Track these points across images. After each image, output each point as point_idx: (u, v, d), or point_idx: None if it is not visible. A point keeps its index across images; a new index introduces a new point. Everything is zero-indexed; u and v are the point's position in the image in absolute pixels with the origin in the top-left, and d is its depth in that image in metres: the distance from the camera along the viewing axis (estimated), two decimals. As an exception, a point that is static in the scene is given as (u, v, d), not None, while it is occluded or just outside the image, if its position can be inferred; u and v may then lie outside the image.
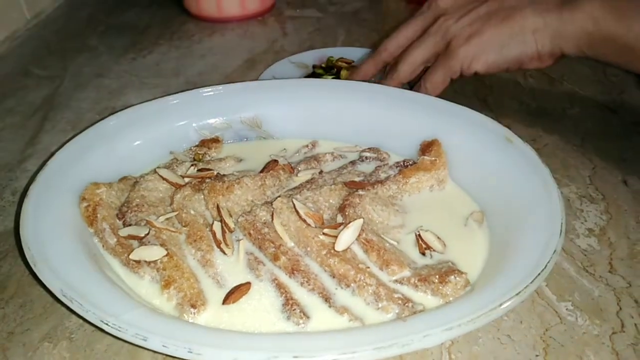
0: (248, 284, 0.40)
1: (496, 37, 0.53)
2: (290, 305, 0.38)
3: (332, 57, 0.71)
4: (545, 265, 0.35)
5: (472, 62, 0.54)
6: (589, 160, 0.55)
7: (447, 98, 0.53)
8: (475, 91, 0.68)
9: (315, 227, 0.43)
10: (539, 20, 0.52)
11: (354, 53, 0.72)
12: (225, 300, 0.39)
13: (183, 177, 0.49)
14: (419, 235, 0.43)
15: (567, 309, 0.40)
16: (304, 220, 0.43)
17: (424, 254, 0.43)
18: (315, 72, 0.69)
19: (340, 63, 0.70)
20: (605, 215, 0.49)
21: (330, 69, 0.69)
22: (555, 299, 0.41)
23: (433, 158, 0.49)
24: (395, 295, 0.38)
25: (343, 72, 0.67)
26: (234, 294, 0.39)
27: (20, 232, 0.39)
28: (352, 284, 0.39)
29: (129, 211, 0.45)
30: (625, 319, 0.40)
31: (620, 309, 0.40)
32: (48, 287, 0.35)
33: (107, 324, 0.33)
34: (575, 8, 0.50)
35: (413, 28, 0.59)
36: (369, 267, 0.41)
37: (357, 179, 0.49)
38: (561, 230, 0.38)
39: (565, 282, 0.43)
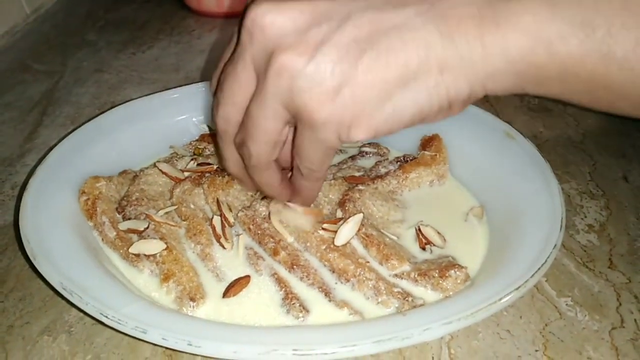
0: (247, 277, 0.40)
1: (377, 87, 0.31)
2: (290, 299, 0.38)
3: None
4: (545, 260, 0.35)
5: (350, 131, 0.32)
6: (590, 156, 0.55)
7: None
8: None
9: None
10: (448, 48, 0.30)
11: None
12: (225, 294, 0.39)
13: (183, 171, 0.49)
14: (419, 230, 0.43)
15: (566, 305, 0.40)
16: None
17: (424, 248, 0.43)
18: None
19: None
20: (605, 211, 0.49)
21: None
22: (555, 295, 0.41)
23: (433, 153, 0.49)
24: (395, 290, 0.38)
25: None
26: (234, 287, 0.39)
27: (20, 226, 0.39)
28: (351, 279, 0.39)
29: (129, 205, 0.45)
30: (624, 314, 0.40)
31: (620, 304, 0.40)
32: (48, 281, 0.35)
33: (106, 317, 0.33)
34: (508, 20, 0.29)
35: (237, 86, 0.34)
36: (368, 262, 0.41)
37: (357, 174, 0.49)
38: (561, 225, 0.38)
39: (565, 277, 0.43)
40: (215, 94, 0.36)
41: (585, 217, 0.48)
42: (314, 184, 0.39)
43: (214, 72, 0.38)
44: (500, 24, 0.29)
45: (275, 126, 0.33)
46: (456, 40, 0.30)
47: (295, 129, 0.34)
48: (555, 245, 0.36)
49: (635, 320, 0.39)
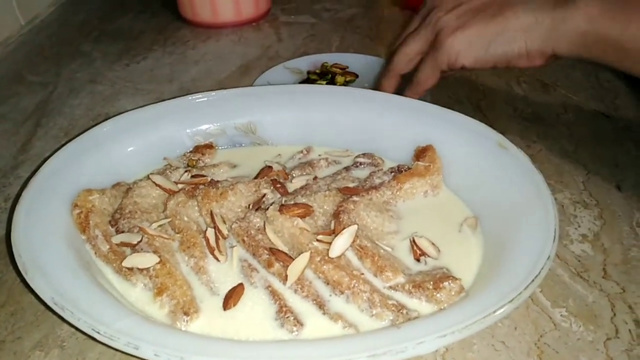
0: (241, 285, 0.40)
1: (483, 32, 0.52)
2: (284, 313, 0.38)
3: (326, 62, 0.71)
4: (540, 272, 0.35)
5: (458, 56, 0.53)
6: (583, 166, 0.55)
7: (440, 104, 0.53)
8: (469, 97, 0.68)
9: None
10: (531, 18, 0.50)
11: (348, 59, 0.72)
12: (225, 306, 0.39)
13: (176, 183, 0.49)
14: (414, 241, 0.43)
15: (561, 315, 0.40)
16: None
17: (418, 260, 0.42)
18: (309, 78, 0.69)
19: (334, 69, 0.70)
20: (599, 220, 0.49)
21: (324, 75, 0.69)
22: (550, 305, 0.41)
23: (427, 164, 0.49)
24: (390, 302, 0.38)
25: (338, 78, 0.67)
26: (232, 298, 0.39)
27: (12, 239, 0.39)
28: (346, 291, 0.39)
29: (122, 218, 0.44)
30: (619, 324, 0.40)
31: (615, 314, 0.40)
32: (39, 295, 0.35)
33: (98, 333, 0.32)
34: (569, 6, 0.48)
35: (413, 25, 0.59)
36: (363, 274, 0.40)
37: (351, 185, 0.49)
38: (555, 237, 0.38)
39: (560, 288, 0.43)
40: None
41: (579, 226, 0.48)
42: (415, 94, 0.58)
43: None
44: (566, 7, 0.48)
45: (416, 47, 0.57)
46: (537, 14, 0.49)
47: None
48: (549, 256, 0.36)
49: (629, 330, 0.39)
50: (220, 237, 0.43)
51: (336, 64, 0.71)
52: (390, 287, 0.40)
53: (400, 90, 0.59)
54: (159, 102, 0.56)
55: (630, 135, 0.60)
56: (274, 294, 0.39)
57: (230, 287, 0.40)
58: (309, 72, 0.70)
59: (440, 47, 0.54)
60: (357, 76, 0.69)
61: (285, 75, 0.69)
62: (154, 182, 0.48)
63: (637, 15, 0.45)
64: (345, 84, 0.67)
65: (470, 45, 0.52)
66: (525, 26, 0.50)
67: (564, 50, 0.49)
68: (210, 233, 0.43)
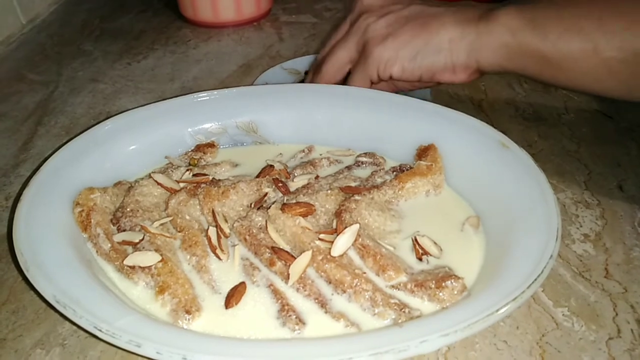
0: (243, 283, 0.40)
1: (412, 41, 0.52)
2: (286, 312, 0.38)
3: None
4: (542, 271, 0.35)
5: (386, 66, 0.53)
6: (585, 165, 0.55)
7: (442, 103, 0.53)
8: (471, 96, 0.68)
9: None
10: (457, 30, 0.50)
11: None
12: (227, 305, 0.39)
13: (178, 182, 0.49)
14: (416, 240, 0.43)
15: (563, 315, 0.40)
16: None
17: (420, 259, 0.42)
18: None
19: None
20: (600, 220, 0.49)
21: None
22: (552, 305, 0.41)
23: (429, 163, 0.49)
24: (392, 301, 0.38)
25: None
26: (234, 296, 0.39)
27: (13, 238, 0.39)
28: (348, 290, 0.39)
29: (124, 216, 0.44)
30: (621, 324, 0.39)
31: (617, 314, 0.40)
32: (41, 293, 0.35)
33: (100, 330, 0.32)
34: (492, 20, 0.49)
35: (342, 30, 0.59)
36: (365, 273, 0.40)
37: (353, 184, 0.49)
38: (557, 236, 0.38)
39: (562, 287, 0.42)
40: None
41: (581, 226, 0.48)
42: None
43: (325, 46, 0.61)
44: (489, 20, 0.49)
45: (345, 55, 0.57)
46: (464, 27, 0.50)
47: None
48: (552, 256, 0.36)
49: (632, 330, 0.39)
50: (222, 235, 0.43)
51: None
52: (393, 286, 0.40)
53: None
54: (161, 100, 0.56)
55: (632, 135, 0.60)
56: (275, 293, 0.39)
57: (232, 286, 0.40)
58: (306, 73, 0.70)
59: (369, 56, 0.53)
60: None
61: (283, 76, 0.69)
62: (155, 181, 0.48)
63: (554, 25, 0.46)
64: None
65: (398, 55, 0.52)
66: (452, 38, 0.51)
67: (487, 62, 0.50)
68: (212, 232, 0.43)
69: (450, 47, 0.51)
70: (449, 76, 0.52)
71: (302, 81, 0.68)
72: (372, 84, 0.56)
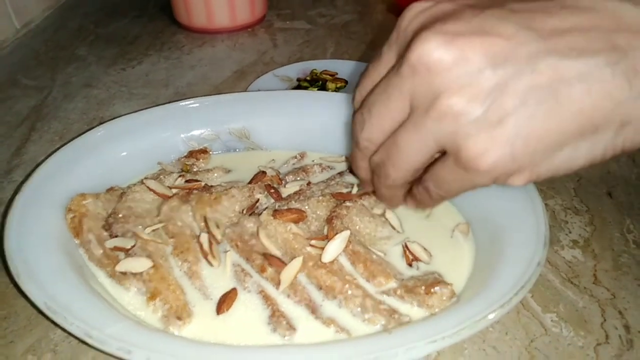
0: (234, 289, 0.40)
1: (552, 138, 0.29)
2: (276, 317, 0.38)
3: (315, 69, 0.72)
4: (530, 278, 0.35)
5: (509, 178, 0.32)
6: (574, 172, 0.56)
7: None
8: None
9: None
10: (637, 102, 0.28)
11: (337, 65, 0.73)
12: (218, 311, 0.39)
13: (170, 188, 0.49)
14: (406, 246, 0.43)
15: (552, 320, 0.41)
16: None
17: (410, 265, 0.43)
18: (300, 85, 0.69)
19: (324, 75, 0.70)
20: (589, 227, 0.49)
21: (315, 82, 0.69)
22: (540, 310, 0.41)
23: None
24: (382, 307, 0.38)
25: (329, 85, 0.68)
26: (225, 302, 0.39)
27: (5, 243, 0.39)
28: (338, 296, 0.39)
29: (116, 222, 0.44)
30: (609, 330, 0.40)
31: (605, 320, 0.41)
32: (32, 300, 0.35)
33: (91, 337, 0.32)
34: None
35: (388, 113, 0.34)
36: (355, 279, 0.41)
37: (344, 191, 0.49)
38: (545, 243, 0.38)
39: (550, 293, 0.43)
40: (361, 112, 0.36)
41: (570, 232, 0.49)
42: (436, 203, 0.38)
43: (357, 87, 0.38)
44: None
45: (422, 159, 0.33)
46: (630, 77, 0.28)
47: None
48: (539, 262, 0.37)
49: (619, 336, 0.39)
50: (213, 241, 0.43)
51: (325, 70, 0.71)
52: (383, 292, 0.40)
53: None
54: (154, 106, 0.56)
55: (622, 142, 0.60)
56: (266, 299, 0.40)
57: (223, 292, 0.40)
58: (299, 80, 0.70)
59: (473, 169, 0.31)
60: (346, 82, 0.69)
61: (275, 83, 0.70)
62: (147, 187, 0.48)
63: None
64: (337, 90, 0.67)
65: (532, 160, 0.31)
66: (626, 116, 0.29)
67: None
68: (204, 238, 0.43)
69: (623, 131, 0.29)
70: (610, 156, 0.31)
71: (295, 88, 0.69)
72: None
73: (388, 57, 0.34)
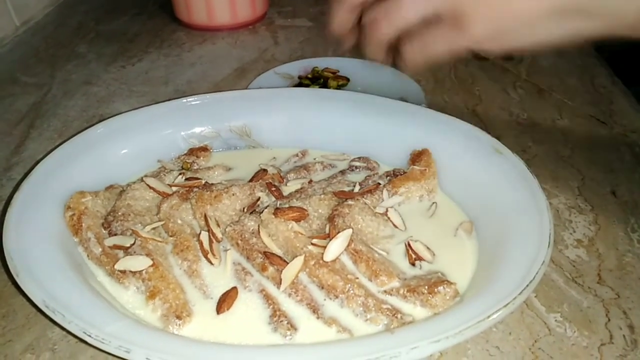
0: (235, 288, 0.40)
1: (527, 14, 0.37)
2: (277, 317, 0.38)
3: (317, 67, 0.71)
4: (534, 277, 0.35)
5: (489, 43, 0.39)
6: (578, 171, 0.55)
7: (436, 108, 0.53)
8: (465, 101, 0.68)
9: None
10: None
11: (338, 63, 0.72)
12: (219, 310, 0.38)
13: (171, 186, 0.48)
14: (409, 245, 0.43)
15: (556, 320, 0.40)
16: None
17: (413, 264, 0.42)
18: (302, 83, 0.69)
19: (326, 73, 0.70)
20: (594, 226, 0.49)
21: (316, 79, 0.69)
22: (544, 310, 0.41)
23: (423, 168, 0.49)
24: (384, 306, 0.38)
25: (331, 82, 0.67)
26: (225, 302, 0.39)
27: (3, 242, 0.38)
28: (340, 295, 0.39)
29: (115, 220, 0.44)
30: (613, 330, 0.39)
31: (609, 320, 0.40)
32: (30, 298, 0.35)
33: (90, 336, 0.32)
34: None
35: None
36: (357, 278, 0.40)
37: (346, 189, 0.49)
38: (549, 242, 0.38)
39: (554, 293, 0.42)
40: None
41: (574, 232, 0.48)
42: (417, 63, 0.42)
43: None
44: None
45: (416, 21, 0.39)
46: None
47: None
48: (544, 261, 0.36)
49: (624, 336, 0.39)
50: (214, 240, 0.43)
51: (327, 68, 0.71)
52: (385, 292, 0.40)
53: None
54: (154, 104, 0.55)
55: (626, 140, 0.60)
56: (267, 298, 0.39)
57: (223, 291, 0.40)
58: (300, 77, 0.70)
59: (464, 29, 0.39)
60: (348, 80, 0.69)
61: (276, 81, 0.69)
62: (147, 185, 0.47)
63: None
64: (338, 87, 0.67)
65: (509, 28, 0.39)
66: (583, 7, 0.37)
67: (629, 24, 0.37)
68: (204, 236, 0.43)
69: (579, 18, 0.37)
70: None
71: (297, 86, 0.68)
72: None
73: None
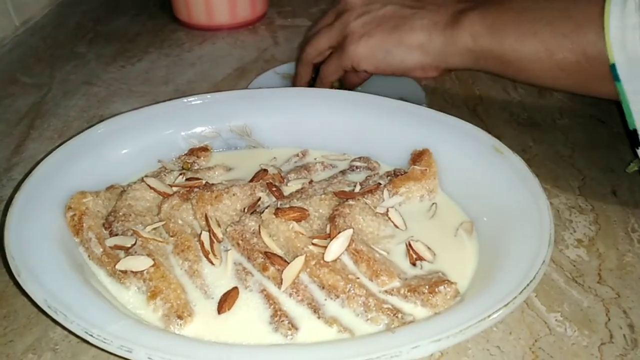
0: (235, 288, 0.40)
1: (383, 42, 0.56)
2: (278, 317, 0.38)
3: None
4: (534, 277, 0.35)
5: (360, 61, 0.57)
6: (578, 170, 0.56)
7: (436, 108, 0.53)
8: (466, 101, 0.68)
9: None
10: (425, 35, 0.54)
11: None
12: (220, 310, 0.38)
13: (171, 186, 0.48)
14: (410, 245, 0.43)
15: (556, 320, 0.40)
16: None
17: (414, 264, 0.42)
18: (332, 86, 0.68)
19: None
20: (594, 225, 0.49)
21: (316, 79, 0.69)
22: (545, 310, 0.41)
23: (423, 168, 0.49)
24: (385, 306, 0.38)
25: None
26: (226, 302, 0.39)
27: (5, 242, 0.38)
28: (341, 295, 0.39)
29: (116, 221, 0.44)
30: (614, 329, 0.40)
31: (609, 319, 0.40)
32: (32, 298, 0.35)
33: (92, 336, 0.32)
34: (457, 27, 0.53)
35: (327, 19, 0.63)
36: (358, 278, 0.40)
37: (347, 189, 0.49)
38: (550, 241, 0.38)
39: (555, 292, 0.42)
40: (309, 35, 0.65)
41: (575, 231, 0.48)
42: (321, 85, 0.64)
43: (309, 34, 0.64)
44: (454, 27, 0.53)
45: (325, 43, 0.61)
46: (431, 32, 0.55)
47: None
48: (544, 261, 0.36)
49: (624, 335, 0.39)
50: (214, 240, 0.43)
51: None
52: (386, 291, 0.40)
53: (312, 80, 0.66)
54: (154, 104, 0.55)
55: (626, 140, 0.60)
56: (268, 298, 0.39)
57: (224, 291, 0.40)
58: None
59: (345, 51, 0.58)
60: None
61: (276, 81, 0.69)
62: (148, 185, 0.47)
63: (512, 29, 0.50)
64: (338, 87, 0.67)
65: (371, 53, 0.57)
66: (420, 42, 0.55)
67: (454, 64, 0.55)
68: (205, 236, 0.43)
69: (418, 50, 0.55)
70: (420, 73, 0.57)
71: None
72: (345, 72, 0.61)
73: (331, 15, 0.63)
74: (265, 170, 0.51)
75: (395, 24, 0.56)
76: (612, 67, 0.44)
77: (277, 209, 0.44)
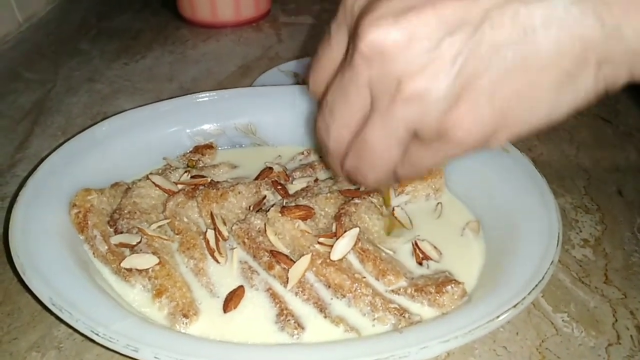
0: (241, 287, 0.39)
1: (527, 95, 0.27)
2: (284, 316, 0.37)
3: None
4: (543, 277, 0.35)
5: (490, 140, 0.29)
6: (584, 170, 0.55)
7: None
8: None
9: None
10: (610, 37, 0.25)
11: None
12: (225, 308, 0.38)
13: (176, 183, 0.48)
14: (416, 244, 0.43)
15: (563, 320, 0.40)
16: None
17: (421, 263, 0.42)
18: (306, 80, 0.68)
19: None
20: (600, 225, 0.49)
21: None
22: (551, 310, 0.41)
23: (429, 167, 0.49)
24: (392, 306, 0.38)
25: None
26: (232, 300, 0.38)
27: (9, 239, 0.38)
28: (347, 294, 0.39)
29: (121, 218, 0.44)
30: (621, 330, 0.39)
31: (616, 320, 0.40)
32: (37, 296, 0.34)
33: (97, 334, 0.32)
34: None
35: (349, 110, 0.31)
36: (364, 277, 0.40)
37: (353, 187, 0.49)
38: (558, 241, 0.38)
39: (561, 293, 0.42)
40: (322, 116, 0.33)
41: (581, 231, 0.48)
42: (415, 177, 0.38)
43: (311, 76, 0.35)
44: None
45: (397, 153, 0.31)
46: (621, 27, 0.25)
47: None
48: (552, 262, 0.36)
49: (631, 336, 0.39)
50: (220, 238, 0.43)
51: None
52: (392, 291, 0.40)
53: None
54: (159, 101, 0.55)
55: (631, 139, 0.60)
56: (274, 297, 0.39)
57: (230, 290, 0.40)
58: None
59: (454, 141, 0.29)
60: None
61: (281, 79, 0.69)
62: (153, 183, 0.47)
63: None
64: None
65: (511, 119, 0.29)
66: (601, 54, 0.26)
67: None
68: (210, 234, 0.43)
69: (602, 72, 0.27)
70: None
71: (303, 83, 0.68)
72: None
73: (338, 38, 0.31)
74: (271, 169, 0.50)
75: (532, 46, 0.26)
76: None
77: (283, 207, 0.44)
